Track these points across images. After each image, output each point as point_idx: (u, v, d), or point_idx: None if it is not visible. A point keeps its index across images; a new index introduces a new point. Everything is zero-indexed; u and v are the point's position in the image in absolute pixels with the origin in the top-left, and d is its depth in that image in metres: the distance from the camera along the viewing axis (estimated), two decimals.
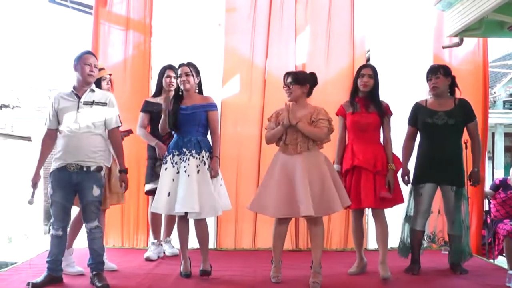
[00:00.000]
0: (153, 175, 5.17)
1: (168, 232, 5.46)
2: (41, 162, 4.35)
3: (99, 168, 4.31)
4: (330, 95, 6.06)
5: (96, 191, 4.27)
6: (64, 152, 4.21)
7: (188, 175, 4.39)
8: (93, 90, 4.34)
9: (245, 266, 5.02)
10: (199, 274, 4.53)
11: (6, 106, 15.37)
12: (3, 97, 15.57)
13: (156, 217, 5.33)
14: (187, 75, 4.54)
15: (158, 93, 5.36)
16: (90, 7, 6.39)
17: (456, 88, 4.86)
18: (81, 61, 4.28)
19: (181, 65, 4.60)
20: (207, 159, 4.49)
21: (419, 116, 4.82)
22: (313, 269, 4.35)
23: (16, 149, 13.50)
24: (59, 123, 4.27)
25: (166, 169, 4.52)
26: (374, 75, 4.68)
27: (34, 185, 4.32)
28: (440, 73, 4.75)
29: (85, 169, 4.22)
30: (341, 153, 4.71)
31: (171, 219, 5.25)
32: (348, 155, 4.63)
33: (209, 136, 4.65)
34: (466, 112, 4.76)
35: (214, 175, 4.50)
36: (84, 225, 4.34)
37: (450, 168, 4.71)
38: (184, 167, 4.42)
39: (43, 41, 37.11)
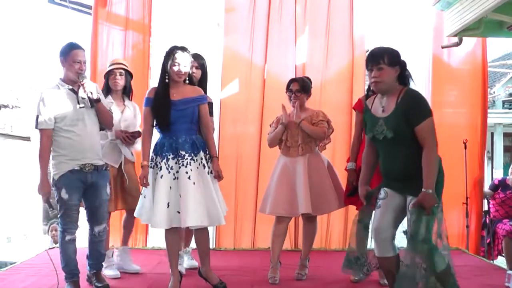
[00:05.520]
0: None
1: (187, 242, 4.97)
2: (46, 169, 3.96)
3: (108, 166, 4.27)
4: (330, 95, 6.10)
5: (108, 190, 4.22)
6: (78, 152, 3.99)
7: (194, 183, 3.92)
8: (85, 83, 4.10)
9: (244, 266, 5.02)
10: None
11: (5, 106, 15.37)
12: (2, 97, 15.57)
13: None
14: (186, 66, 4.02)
15: None
16: (89, 7, 6.39)
17: (410, 80, 3.51)
18: (70, 58, 4.00)
19: (174, 48, 4.03)
20: (205, 160, 4.03)
21: (365, 125, 3.64)
22: (300, 262, 4.66)
23: (16, 149, 13.51)
24: (55, 122, 3.98)
25: (162, 176, 3.96)
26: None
27: (47, 199, 4.02)
28: (383, 62, 3.35)
29: (98, 168, 4.11)
30: (356, 150, 4.48)
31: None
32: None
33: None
34: (409, 111, 3.29)
35: (221, 177, 4.07)
36: (90, 227, 4.17)
37: (404, 182, 3.41)
38: (187, 173, 3.92)
39: (42, 41, 37.16)
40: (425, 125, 3.25)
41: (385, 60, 3.34)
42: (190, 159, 3.96)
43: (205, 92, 4.63)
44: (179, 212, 3.93)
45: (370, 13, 6.25)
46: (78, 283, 4.10)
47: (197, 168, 3.98)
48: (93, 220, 4.16)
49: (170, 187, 3.95)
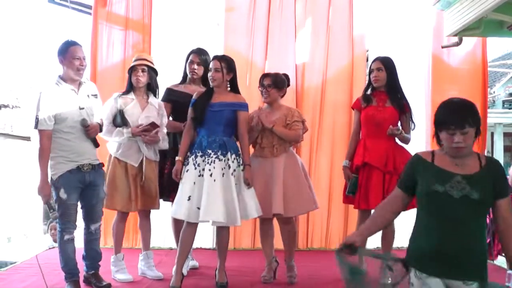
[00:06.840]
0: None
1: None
2: (46, 170, 3.93)
3: (103, 164, 4.26)
4: (330, 94, 6.11)
5: (104, 188, 4.20)
6: (77, 154, 3.99)
7: (214, 180, 4.09)
8: (84, 82, 4.14)
9: (244, 266, 5.03)
10: (215, 286, 4.30)
11: (5, 106, 15.38)
12: (2, 97, 15.58)
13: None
14: (216, 70, 4.23)
15: (183, 80, 4.92)
16: (90, 7, 6.38)
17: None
18: (69, 55, 3.98)
19: (213, 58, 4.31)
20: (232, 162, 4.18)
21: (421, 178, 2.80)
22: (286, 264, 4.54)
23: (16, 149, 13.51)
24: (56, 123, 3.94)
25: (187, 170, 4.18)
26: (386, 67, 4.42)
27: (47, 200, 3.97)
28: (469, 125, 2.71)
29: (95, 167, 4.10)
30: (353, 148, 4.50)
31: (179, 226, 4.48)
32: (360, 150, 4.40)
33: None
34: (499, 180, 2.76)
35: (250, 185, 4.21)
36: (86, 226, 4.18)
37: (466, 261, 2.67)
38: (210, 170, 4.11)
39: (42, 41, 37.11)
40: (508, 202, 2.75)
41: (470, 123, 2.73)
42: (215, 158, 4.15)
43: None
44: (198, 208, 4.06)
45: (370, 13, 6.25)
46: (78, 283, 4.10)
47: (222, 168, 4.15)
48: (89, 218, 4.17)
49: (194, 183, 4.13)
